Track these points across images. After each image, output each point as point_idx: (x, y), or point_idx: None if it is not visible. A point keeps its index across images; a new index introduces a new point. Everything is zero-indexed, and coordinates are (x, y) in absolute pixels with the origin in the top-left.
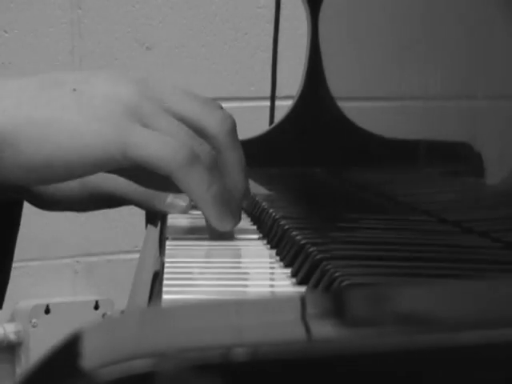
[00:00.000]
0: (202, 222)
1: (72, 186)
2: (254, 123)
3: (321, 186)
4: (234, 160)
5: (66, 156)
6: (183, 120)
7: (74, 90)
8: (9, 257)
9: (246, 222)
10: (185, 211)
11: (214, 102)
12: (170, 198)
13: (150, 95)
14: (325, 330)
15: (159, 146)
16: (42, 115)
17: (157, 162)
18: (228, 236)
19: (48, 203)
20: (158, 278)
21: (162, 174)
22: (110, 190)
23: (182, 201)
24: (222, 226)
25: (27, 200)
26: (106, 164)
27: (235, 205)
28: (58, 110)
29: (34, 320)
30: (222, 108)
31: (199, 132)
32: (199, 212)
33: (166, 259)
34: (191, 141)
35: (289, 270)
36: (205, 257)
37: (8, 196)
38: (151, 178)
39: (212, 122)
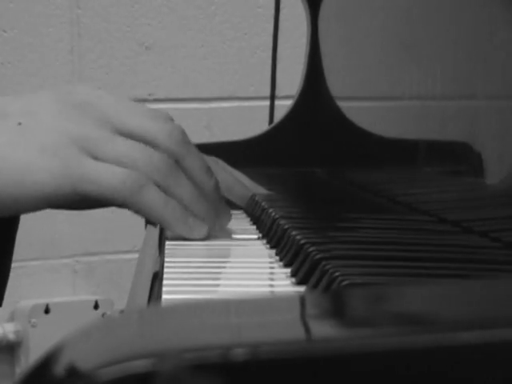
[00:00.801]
0: None
1: None
2: (253, 123)
3: (320, 185)
4: (192, 166)
5: (15, 192)
6: (131, 137)
7: (19, 123)
8: (8, 255)
9: (245, 222)
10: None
11: (160, 113)
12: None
13: (96, 117)
14: (324, 329)
15: (107, 177)
16: None
17: (107, 194)
18: (224, 235)
19: None
20: (157, 277)
21: (116, 205)
22: None
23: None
24: (194, 234)
25: None
26: (57, 199)
27: (212, 206)
28: (5, 146)
29: (33, 320)
30: (169, 118)
31: (150, 145)
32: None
33: (166, 259)
34: (142, 155)
35: (288, 270)
36: (204, 256)
37: None
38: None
39: (161, 135)
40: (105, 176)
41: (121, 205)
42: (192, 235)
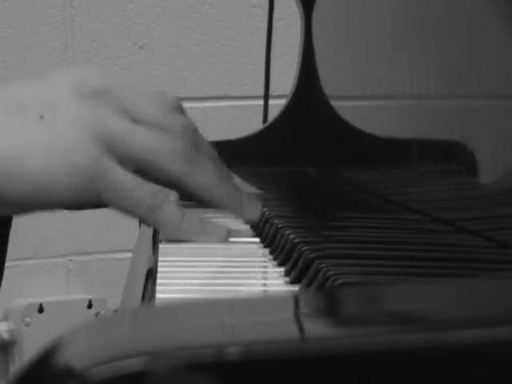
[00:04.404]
0: None
1: None
2: (247, 122)
3: (314, 184)
4: (207, 154)
5: (42, 193)
6: (149, 126)
7: (41, 117)
8: (1, 255)
9: (238, 222)
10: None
11: (171, 101)
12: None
13: (114, 106)
14: (318, 328)
15: (131, 191)
16: (14, 150)
17: (129, 208)
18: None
19: None
20: (151, 277)
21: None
22: None
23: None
24: (250, 215)
25: None
26: (79, 203)
27: (236, 188)
28: (29, 144)
29: (27, 319)
30: (180, 107)
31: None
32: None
33: (160, 258)
34: (165, 145)
35: (282, 269)
36: (198, 256)
37: None
38: None
39: (177, 126)
40: (128, 189)
41: (140, 219)
42: (249, 215)
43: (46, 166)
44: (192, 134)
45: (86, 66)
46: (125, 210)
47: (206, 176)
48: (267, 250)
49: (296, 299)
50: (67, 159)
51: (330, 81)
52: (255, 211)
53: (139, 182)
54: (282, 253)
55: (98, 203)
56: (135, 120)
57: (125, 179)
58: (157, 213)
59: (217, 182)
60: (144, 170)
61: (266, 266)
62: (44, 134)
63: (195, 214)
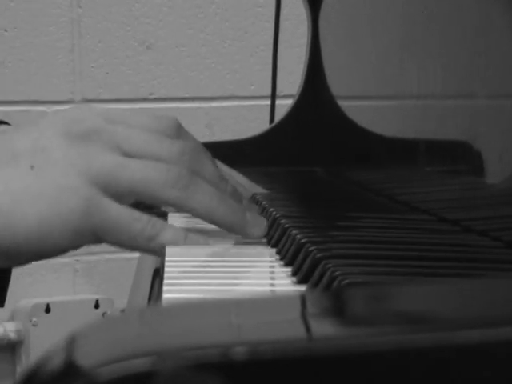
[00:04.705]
0: (201, 221)
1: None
2: (254, 122)
3: (321, 185)
4: (206, 176)
5: (38, 243)
6: (143, 157)
7: (32, 167)
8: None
9: None
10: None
11: (169, 124)
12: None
13: (105, 144)
14: (325, 328)
15: (127, 227)
16: (5, 202)
17: (127, 243)
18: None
19: None
20: (158, 276)
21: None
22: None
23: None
24: (255, 233)
25: None
26: (77, 246)
27: (239, 209)
28: (20, 195)
29: (34, 319)
30: (179, 128)
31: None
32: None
33: (166, 258)
34: (158, 175)
35: (289, 269)
36: (205, 256)
37: None
38: None
39: (173, 154)
40: (125, 224)
41: (143, 252)
42: (251, 233)
43: (39, 216)
44: (188, 157)
45: (79, 106)
46: (125, 245)
47: (204, 199)
48: (274, 250)
49: (303, 299)
50: (59, 205)
51: (336, 81)
52: (260, 228)
53: (135, 215)
54: (288, 253)
55: (97, 242)
56: (128, 154)
57: (120, 215)
58: (157, 241)
59: (217, 204)
60: (142, 200)
61: (273, 266)
62: (35, 183)
63: (198, 233)
